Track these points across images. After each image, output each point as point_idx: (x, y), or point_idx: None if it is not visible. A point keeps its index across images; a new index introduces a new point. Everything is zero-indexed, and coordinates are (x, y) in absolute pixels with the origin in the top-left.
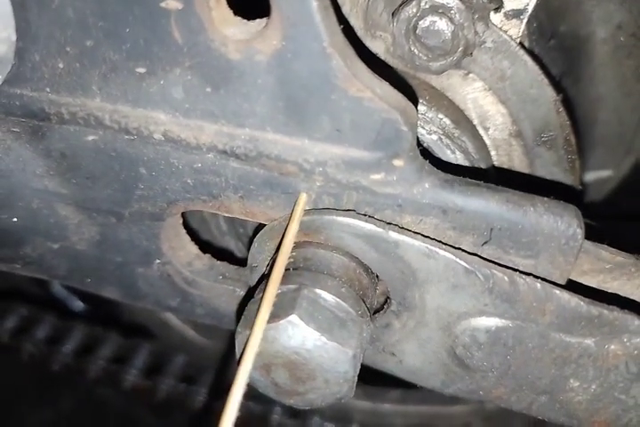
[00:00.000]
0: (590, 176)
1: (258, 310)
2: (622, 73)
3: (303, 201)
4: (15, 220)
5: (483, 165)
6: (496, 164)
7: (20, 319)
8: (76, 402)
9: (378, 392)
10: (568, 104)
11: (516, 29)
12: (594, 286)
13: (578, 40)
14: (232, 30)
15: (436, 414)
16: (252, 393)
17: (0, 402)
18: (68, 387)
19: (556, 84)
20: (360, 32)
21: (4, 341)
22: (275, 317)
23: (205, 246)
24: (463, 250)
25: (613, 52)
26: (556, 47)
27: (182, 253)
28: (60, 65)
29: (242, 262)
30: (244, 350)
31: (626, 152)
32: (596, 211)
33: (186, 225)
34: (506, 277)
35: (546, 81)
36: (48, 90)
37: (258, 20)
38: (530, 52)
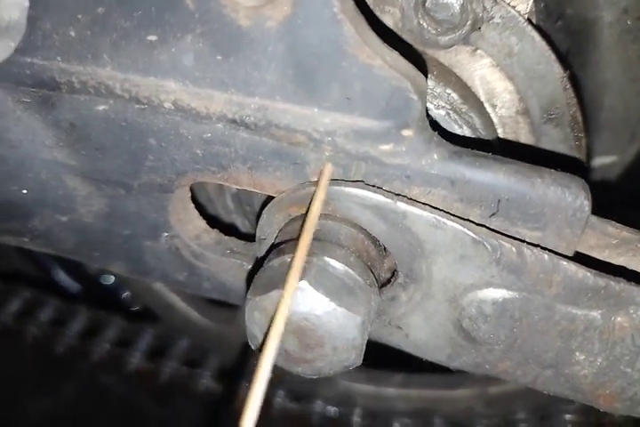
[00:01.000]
0: (595, 162)
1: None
2: (628, 57)
3: (329, 169)
4: (24, 191)
5: None
6: None
7: (23, 303)
8: (78, 388)
9: (381, 376)
10: (574, 88)
11: (524, 5)
12: None
13: (584, 24)
14: None
15: (438, 398)
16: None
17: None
18: (70, 372)
19: (567, 53)
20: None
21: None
22: (284, 283)
23: (212, 223)
24: (471, 221)
25: (619, 36)
26: (562, 29)
27: (190, 226)
28: (72, 33)
29: (248, 239)
30: (267, 333)
31: (631, 138)
32: (600, 197)
33: (194, 201)
34: (513, 248)
35: (553, 57)
36: (59, 58)
37: None
38: (537, 29)
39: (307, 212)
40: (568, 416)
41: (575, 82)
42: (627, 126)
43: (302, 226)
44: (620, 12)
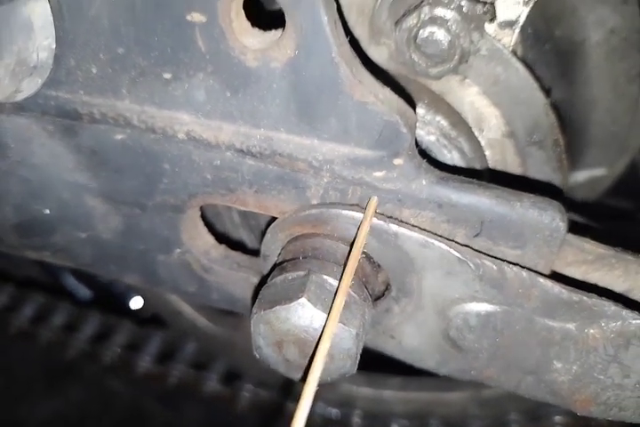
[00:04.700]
0: (585, 174)
1: (329, 313)
2: (615, 75)
3: (374, 203)
4: (47, 210)
5: (477, 164)
6: (490, 162)
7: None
8: (86, 391)
9: (379, 379)
10: (563, 105)
11: (509, 38)
12: (577, 276)
13: (573, 44)
14: (250, 40)
15: (434, 400)
16: (261, 381)
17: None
18: (78, 376)
19: (549, 88)
20: (366, 40)
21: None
22: (286, 299)
23: (220, 238)
24: (456, 241)
25: (607, 55)
26: (551, 51)
27: (200, 242)
28: (94, 70)
29: (254, 253)
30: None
31: (620, 151)
32: (590, 209)
33: (203, 218)
34: (494, 266)
35: (536, 86)
36: (81, 92)
37: (273, 31)
38: (522, 60)
39: (352, 243)
40: (558, 418)
41: (564, 102)
42: (615, 141)
43: (348, 256)
44: (607, 33)
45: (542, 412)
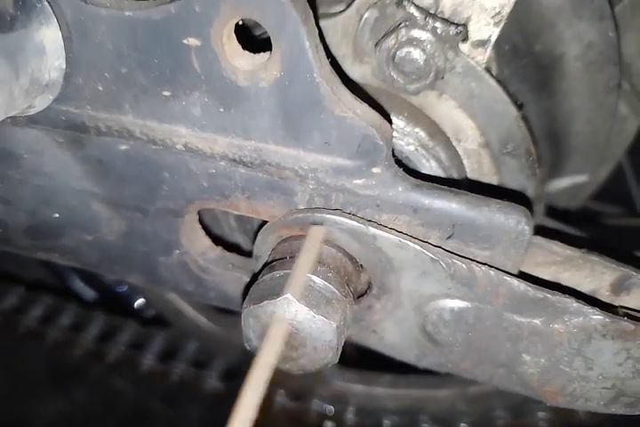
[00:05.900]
0: (567, 181)
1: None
2: (594, 87)
3: (318, 233)
4: (56, 215)
5: (455, 172)
6: (468, 171)
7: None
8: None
9: (371, 377)
10: (545, 116)
11: (482, 56)
12: (547, 276)
13: (552, 58)
14: (241, 62)
15: (424, 396)
16: None
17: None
18: (83, 374)
19: (522, 103)
20: (350, 58)
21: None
22: (273, 295)
23: (217, 241)
24: (429, 243)
25: (585, 68)
26: (530, 65)
27: (198, 244)
28: (100, 87)
29: (249, 254)
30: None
31: (601, 159)
32: (573, 215)
33: (200, 222)
34: (464, 265)
35: (508, 100)
36: (89, 107)
37: (262, 54)
38: (497, 76)
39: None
40: (541, 414)
41: (541, 117)
42: (596, 149)
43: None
44: (585, 47)
45: (527, 408)
